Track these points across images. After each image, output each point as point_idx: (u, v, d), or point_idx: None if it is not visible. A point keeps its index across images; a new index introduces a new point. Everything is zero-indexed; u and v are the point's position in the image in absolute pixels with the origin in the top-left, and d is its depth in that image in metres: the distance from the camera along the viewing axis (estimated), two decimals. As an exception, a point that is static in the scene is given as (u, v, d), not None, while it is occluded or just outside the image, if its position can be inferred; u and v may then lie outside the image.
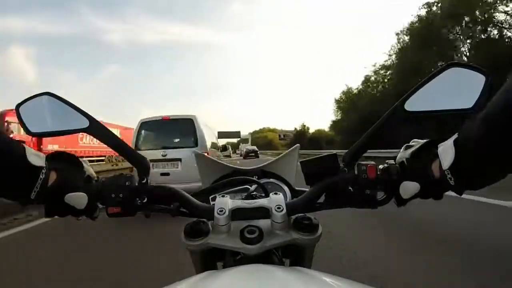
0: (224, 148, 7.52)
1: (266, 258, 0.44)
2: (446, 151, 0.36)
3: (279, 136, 38.35)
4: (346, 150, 0.44)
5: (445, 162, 0.36)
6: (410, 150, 0.42)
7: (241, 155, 32.93)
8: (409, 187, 0.40)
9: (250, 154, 26.85)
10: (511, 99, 0.30)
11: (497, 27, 17.33)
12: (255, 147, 31.62)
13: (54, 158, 0.42)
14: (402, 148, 0.44)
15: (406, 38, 22.62)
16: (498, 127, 0.31)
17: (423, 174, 0.39)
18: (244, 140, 49.78)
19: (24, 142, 0.40)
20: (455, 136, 0.36)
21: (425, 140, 0.42)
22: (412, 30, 21.78)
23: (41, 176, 0.38)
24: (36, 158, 0.38)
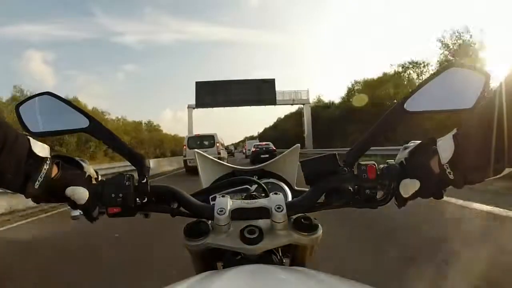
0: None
1: (266, 258, 0.44)
2: (445, 146, 0.36)
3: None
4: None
5: (444, 156, 0.36)
6: (408, 150, 0.43)
7: (246, 156, 23.89)
8: (409, 185, 0.40)
9: (263, 156, 15.80)
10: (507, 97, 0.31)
11: None
12: (269, 143, 19.44)
13: (55, 156, 0.42)
14: (401, 149, 0.44)
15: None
16: (495, 122, 0.32)
17: (422, 171, 0.39)
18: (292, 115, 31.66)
19: None
20: (455, 131, 0.36)
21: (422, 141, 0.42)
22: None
23: (45, 167, 0.38)
24: (41, 149, 0.38)
